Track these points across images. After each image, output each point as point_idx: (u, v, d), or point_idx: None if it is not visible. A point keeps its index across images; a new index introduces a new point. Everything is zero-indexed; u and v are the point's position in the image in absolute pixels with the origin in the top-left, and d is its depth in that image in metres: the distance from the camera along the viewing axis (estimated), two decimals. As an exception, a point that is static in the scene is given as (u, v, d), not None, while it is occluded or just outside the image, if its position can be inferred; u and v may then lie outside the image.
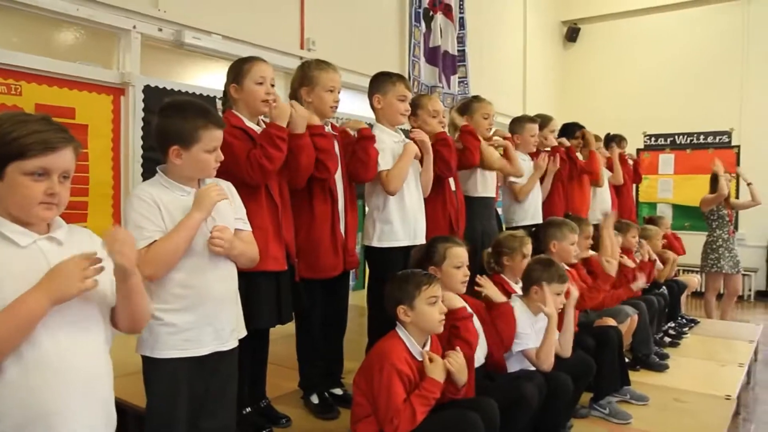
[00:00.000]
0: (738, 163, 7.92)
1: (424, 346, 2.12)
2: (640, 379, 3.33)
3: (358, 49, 5.12)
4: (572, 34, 9.13)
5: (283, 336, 2.77)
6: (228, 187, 1.96)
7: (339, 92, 2.55)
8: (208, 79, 4.08)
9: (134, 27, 3.57)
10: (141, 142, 3.57)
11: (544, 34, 8.72)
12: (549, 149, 4.09)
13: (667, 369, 3.62)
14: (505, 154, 3.64)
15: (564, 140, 4.33)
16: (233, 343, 1.89)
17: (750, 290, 7.90)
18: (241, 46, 4.07)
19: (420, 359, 2.08)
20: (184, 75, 4.00)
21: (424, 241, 2.86)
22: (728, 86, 8.02)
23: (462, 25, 6.54)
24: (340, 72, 2.56)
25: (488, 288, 2.62)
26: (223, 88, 2.35)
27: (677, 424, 2.77)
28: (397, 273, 2.19)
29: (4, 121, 1.31)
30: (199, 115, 1.77)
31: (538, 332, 2.56)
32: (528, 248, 2.88)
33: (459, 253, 2.41)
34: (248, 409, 2.29)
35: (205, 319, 1.78)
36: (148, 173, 3.50)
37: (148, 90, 3.59)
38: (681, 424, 2.77)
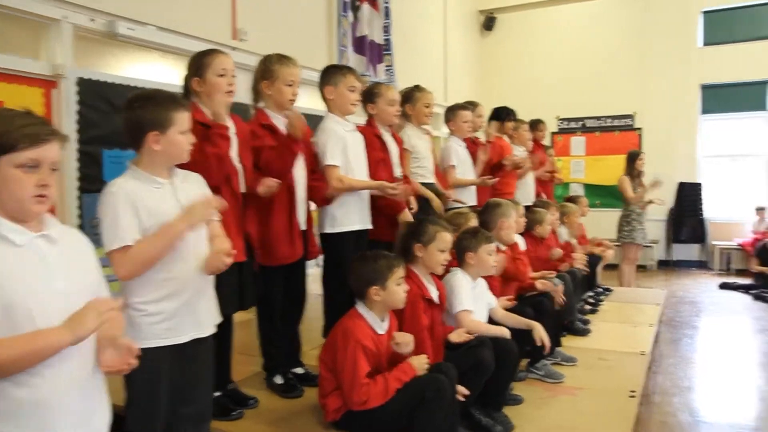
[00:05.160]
0: (640, 143, 8.65)
1: (383, 321, 2.30)
2: (567, 343, 3.69)
3: (289, 38, 5.15)
4: (489, 23, 9.50)
5: (235, 323, 2.84)
6: (197, 179, 2.00)
7: (298, 86, 2.64)
8: (143, 70, 4.02)
9: (65, 17, 3.47)
10: (77, 136, 3.48)
11: (462, 22, 9.00)
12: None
13: (589, 333, 4.02)
14: None
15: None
16: (211, 330, 1.96)
17: (652, 260, 8.67)
18: (176, 36, 4.02)
19: (381, 333, 2.26)
20: (119, 67, 3.91)
21: (371, 226, 3.04)
22: (630, 73, 8.71)
23: (387, 15, 6.69)
24: (299, 66, 2.64)
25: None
26: (182, 82, 2.39)
27: (603, 379, 3.13)
28: (365, 254, 2.30)
29: None
30: (169, 100, 1.85)
31: (477, 296, 2.76)
32: (474, 221, 3.08)
33: (447, 239, 2.52)
34: (217, 393, 2.35)
35: (185, 307, 1.84)
36: (85, 168, 3.45)
37: (82, 82, 3.50)
38: (606, 379, 3.13)
